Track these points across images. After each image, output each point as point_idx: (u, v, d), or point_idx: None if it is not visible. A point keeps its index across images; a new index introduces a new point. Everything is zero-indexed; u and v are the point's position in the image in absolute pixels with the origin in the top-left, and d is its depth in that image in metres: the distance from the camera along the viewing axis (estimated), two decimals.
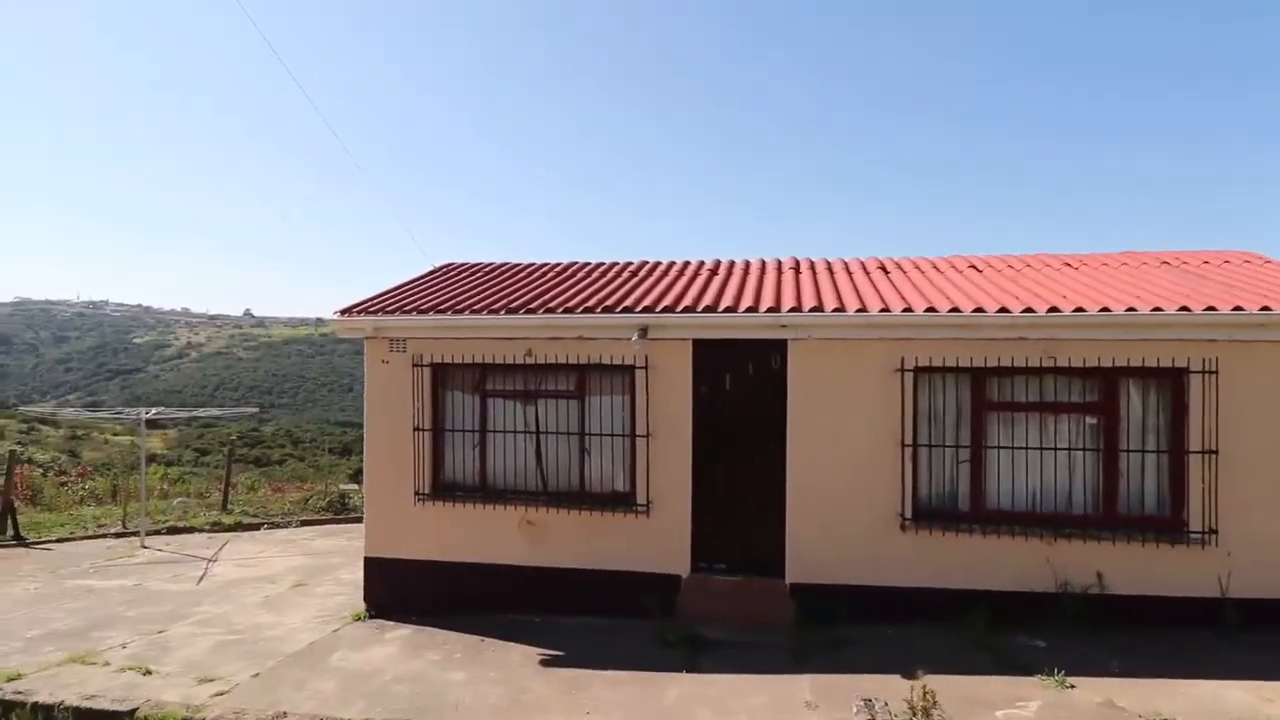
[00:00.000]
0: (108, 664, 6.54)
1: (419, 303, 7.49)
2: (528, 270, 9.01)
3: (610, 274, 8.62)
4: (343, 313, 7.45)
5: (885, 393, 6.65)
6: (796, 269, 8.51)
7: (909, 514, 6.59)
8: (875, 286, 7.50)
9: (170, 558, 10.97)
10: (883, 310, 6.58)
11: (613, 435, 7.12)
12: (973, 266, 8.35)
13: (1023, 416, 6.62)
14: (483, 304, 7.32)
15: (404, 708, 5.46)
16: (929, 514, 6.65)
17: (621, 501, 7.09)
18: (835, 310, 6.67)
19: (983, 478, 6.63)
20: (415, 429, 7.35)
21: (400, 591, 7.43)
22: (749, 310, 6.79)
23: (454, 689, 5.74)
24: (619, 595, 6.95)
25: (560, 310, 7.04)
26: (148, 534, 12.53)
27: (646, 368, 7.00)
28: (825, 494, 6.72)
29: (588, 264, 9.16)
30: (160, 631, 7.47)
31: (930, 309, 6.53)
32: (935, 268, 8.38)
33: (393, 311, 7.33)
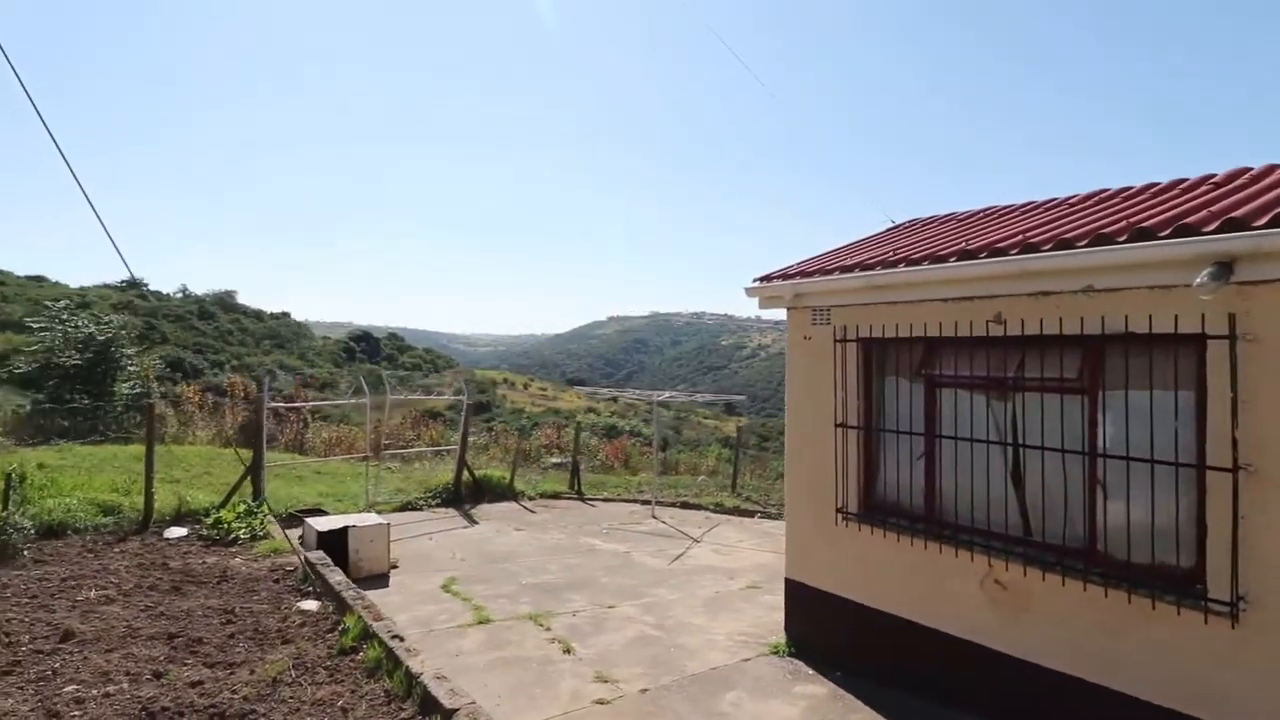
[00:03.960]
0: (548, 630, 6.81)
1: (844, 259, 5.69)
2: (1004, 211, 6.15)
3: (1143, 195, 5.13)
4: (761, 279, 6.20)
5: None
6: None
7: None
8: None
9: (666, 531, 11.65)
10: None
11: (1154, 461, 3.98)
12: None
13: None
14: (925, 252, 5.06)
15: None
16: None
17: (1176, 582, 3.92)
18: None
19: None
20: (837, 425, 5.58)
21: (821, 629, 5.81)
22: None
23: None
24: None
25: (1049, 246, 4.28)
26: (662, 505, 13.81)
27: (1233, 338, 3.67)
28: None
29: (1103, 190, 5.71)
30: (609, 607, 7.58)
31: None
32: None
33: (812, 273, 5.73)
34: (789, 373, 6.12)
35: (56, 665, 4.42)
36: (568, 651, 6.28)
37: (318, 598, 6.24)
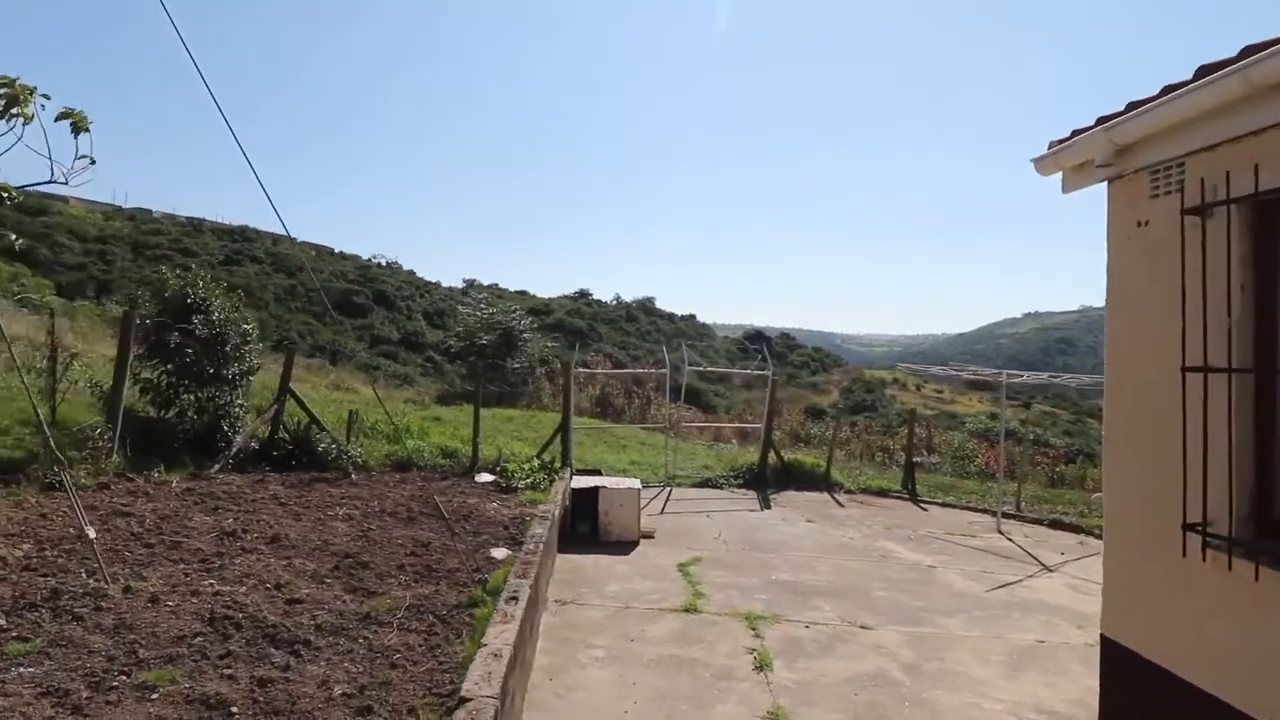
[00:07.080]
0: (759, 637, 5.42)
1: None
2: None
3: None
4: (1060, 141, 3.79)
5: None
6: None
7: None
8: None
9: (1007, 551, 8.79)
10: None
11: None
12: None
13: None
14: None
15: None
16: None
17: None
18: None
19: None
20: (1187, 370, 3.00)
21: None
22: None
23: None
24: None
25: None
26: (1021, 521, 10.66)
27: None
28: None
29: None
30: (861, 627, 5.81)
31: None
32: None
33: (1144, 102, 3.22)
34: (1110, 291, 3.61)
35: (238, 562, 4.84)
36: (760, 669, 4.81)
37: (511, 546, 5.93)
